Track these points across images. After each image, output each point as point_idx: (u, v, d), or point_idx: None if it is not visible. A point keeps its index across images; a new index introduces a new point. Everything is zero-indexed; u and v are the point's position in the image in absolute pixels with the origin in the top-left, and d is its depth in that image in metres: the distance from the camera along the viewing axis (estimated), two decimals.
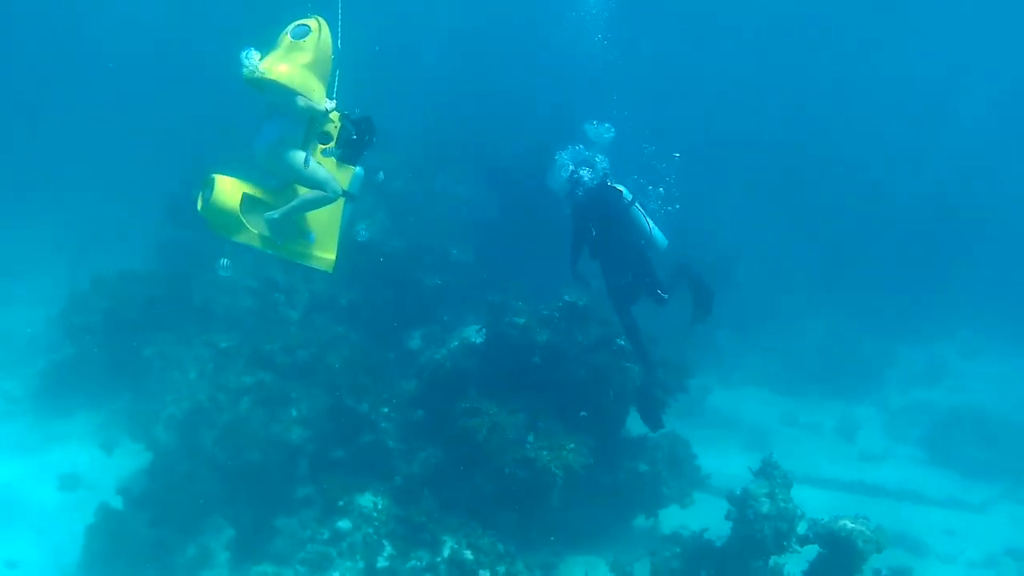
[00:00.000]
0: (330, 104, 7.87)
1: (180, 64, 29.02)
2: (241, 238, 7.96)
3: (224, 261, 9.25)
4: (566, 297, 12.02)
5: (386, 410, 11.52)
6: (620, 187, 10.02)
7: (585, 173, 9.95)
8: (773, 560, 8.84)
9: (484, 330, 11.84)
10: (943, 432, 16.16)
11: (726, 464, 12.60)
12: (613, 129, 10.24)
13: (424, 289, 15.34)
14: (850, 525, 8.11)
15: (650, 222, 10.12)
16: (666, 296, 10.04)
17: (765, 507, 8.69)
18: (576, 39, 18.19)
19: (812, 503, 9.51)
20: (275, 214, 8.02)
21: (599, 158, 10.18)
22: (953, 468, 15.24)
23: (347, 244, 9.00)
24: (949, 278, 23.34)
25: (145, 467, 12.08)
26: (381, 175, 8.63)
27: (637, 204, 10.02)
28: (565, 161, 10.14)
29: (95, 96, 33.67)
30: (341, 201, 8.36)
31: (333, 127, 8.07)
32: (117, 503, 11.30)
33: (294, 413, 11.20)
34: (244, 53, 7.43)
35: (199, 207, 7.88)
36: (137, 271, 16.13)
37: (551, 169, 10.25)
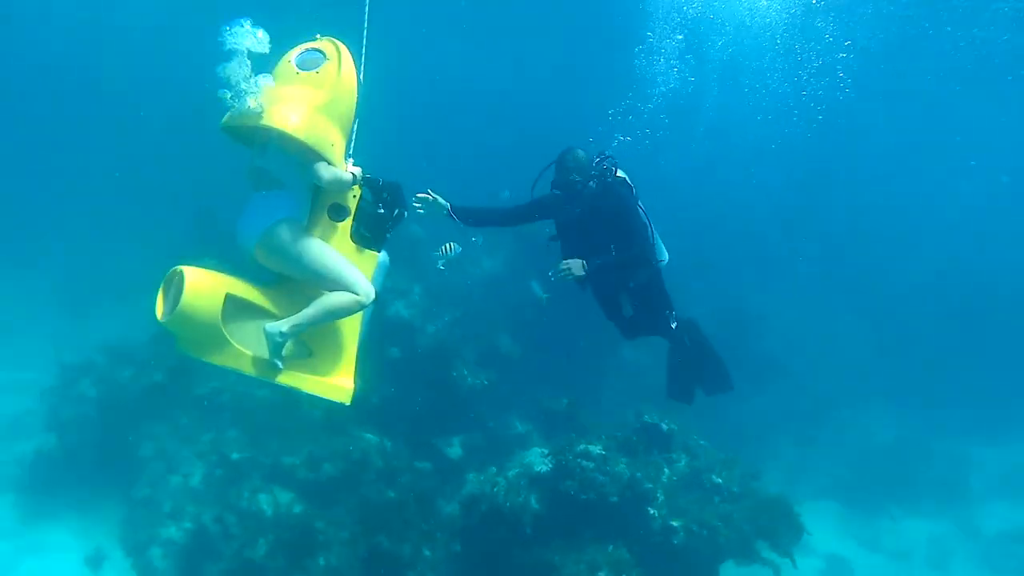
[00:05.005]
0: (354, 169, 5.51)
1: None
2: (222, 360, 5.42)
3: None
4: (645, 417, 10.24)
5: (429, 553, 9.58)
6: (622, 173, 6.93)
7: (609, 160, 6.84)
8: None
9: (551, 458, 9.90)
10: None
11: None
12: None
13: (464, 386, 13.39)
14: None
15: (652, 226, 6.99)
16: (676, 325, 7.21)
17: None
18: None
19: None
20: (282, 327, 5.39)
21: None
22: None
23: (379, 327, 6.83)
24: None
25: None
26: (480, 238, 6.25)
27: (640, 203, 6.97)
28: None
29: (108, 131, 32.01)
30: None
31: (352, 197, 5.68)
32: None
33: (321, 562, 9.22)
34: (241, 79, 5.04)
35: (159, 316, 5.33)
36: (134, 351, 14.07)
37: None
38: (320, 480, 10.69)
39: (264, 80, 5.14)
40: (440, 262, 6.91)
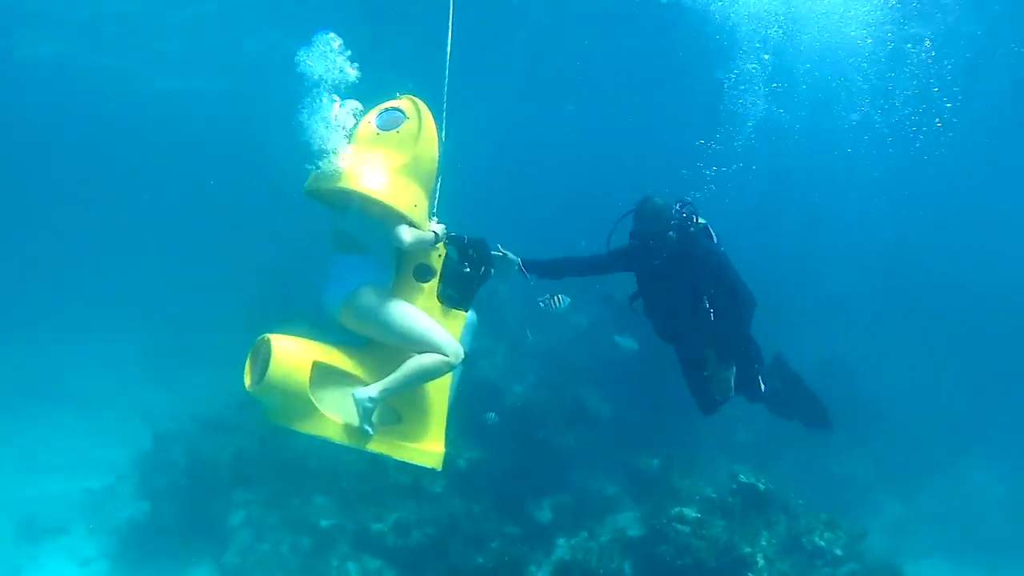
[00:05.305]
0: (438, 228, 5.44)
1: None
2: (312, 428, 5.31)
3: None
4: (740, 477, 9.87)
5: None
6: (703, 220, 6.53)
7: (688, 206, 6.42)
8: None
9: (644, 522, 9.64)
10: None
11: None
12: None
13: (552, 446, 13.14)
14: None
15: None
16: (765, 387, 6.76)
17: None
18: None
19: None
20: (371, 392, 5.29)
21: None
22: None
23: (466, 387, 6.58)
24: None
25: None
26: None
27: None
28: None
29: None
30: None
31: (437, 256, 5.60)
32: None
33: None
34: (322, 132, 5.00)
35: (248, 385, 5.34)
36: (224, 418, 14.28)
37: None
38: (409, 547, 10.56)
39: (347, 110, 5.09)
40: (528, 334, 6.70)
